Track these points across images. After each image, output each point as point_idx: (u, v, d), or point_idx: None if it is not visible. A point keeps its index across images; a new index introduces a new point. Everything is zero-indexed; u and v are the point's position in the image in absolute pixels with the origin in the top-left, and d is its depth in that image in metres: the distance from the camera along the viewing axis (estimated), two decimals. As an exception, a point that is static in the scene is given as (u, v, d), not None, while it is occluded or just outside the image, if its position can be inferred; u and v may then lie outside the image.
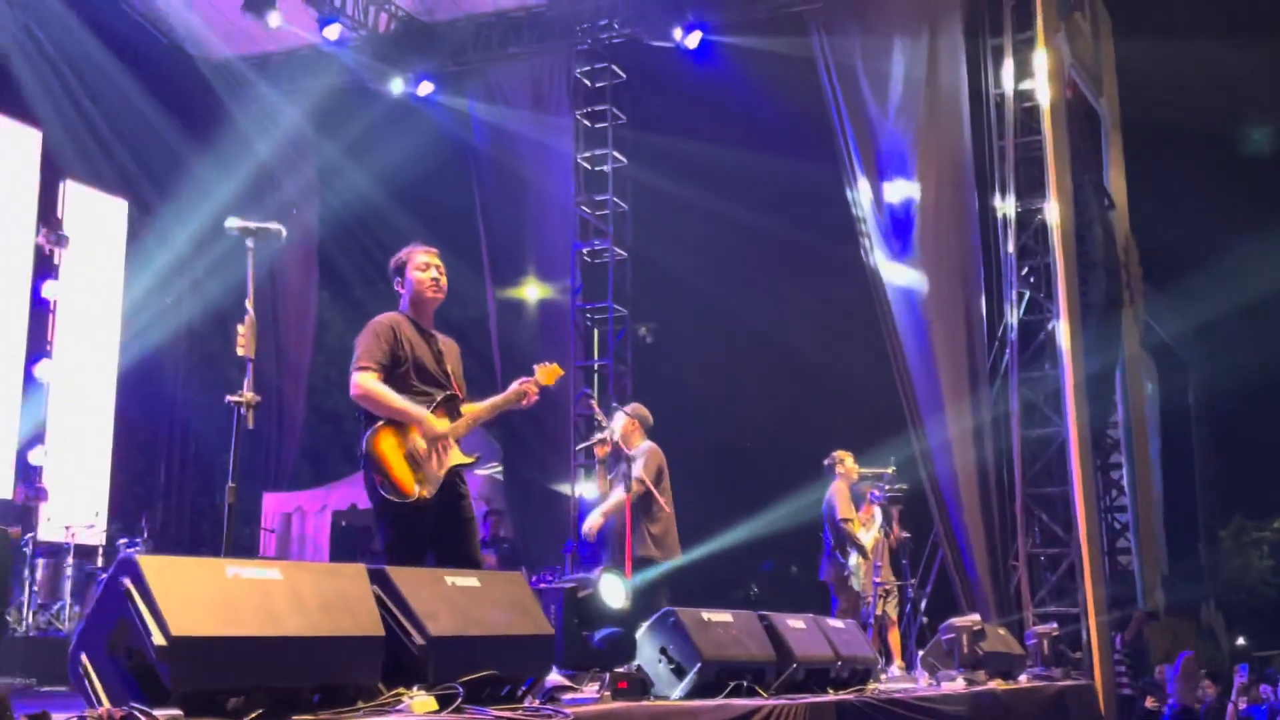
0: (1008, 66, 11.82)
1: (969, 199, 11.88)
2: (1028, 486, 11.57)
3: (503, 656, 4.11)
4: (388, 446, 5.11)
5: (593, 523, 7.41)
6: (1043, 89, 11.62)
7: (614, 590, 5.81)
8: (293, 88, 14.30)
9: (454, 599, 4.13)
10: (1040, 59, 11.60)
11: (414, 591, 3.96)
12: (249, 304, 4.99)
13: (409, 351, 5.28)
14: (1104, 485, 13.41)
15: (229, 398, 4.90)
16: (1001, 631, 9.57)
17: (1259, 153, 20.83)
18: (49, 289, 12.68)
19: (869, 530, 9.67)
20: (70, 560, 10.56)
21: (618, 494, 7.29)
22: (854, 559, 9.44)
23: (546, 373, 5.57)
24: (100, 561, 11.23)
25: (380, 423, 5.14)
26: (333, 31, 12.87)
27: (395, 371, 5.23)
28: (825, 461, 9.87)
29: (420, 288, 5.43)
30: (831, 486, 9.69)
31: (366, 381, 5.16)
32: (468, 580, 4.31)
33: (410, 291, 5.45)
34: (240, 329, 4.96)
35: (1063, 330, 11.37)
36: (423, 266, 5.45)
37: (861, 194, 12.17)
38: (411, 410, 5.17)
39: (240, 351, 4.95)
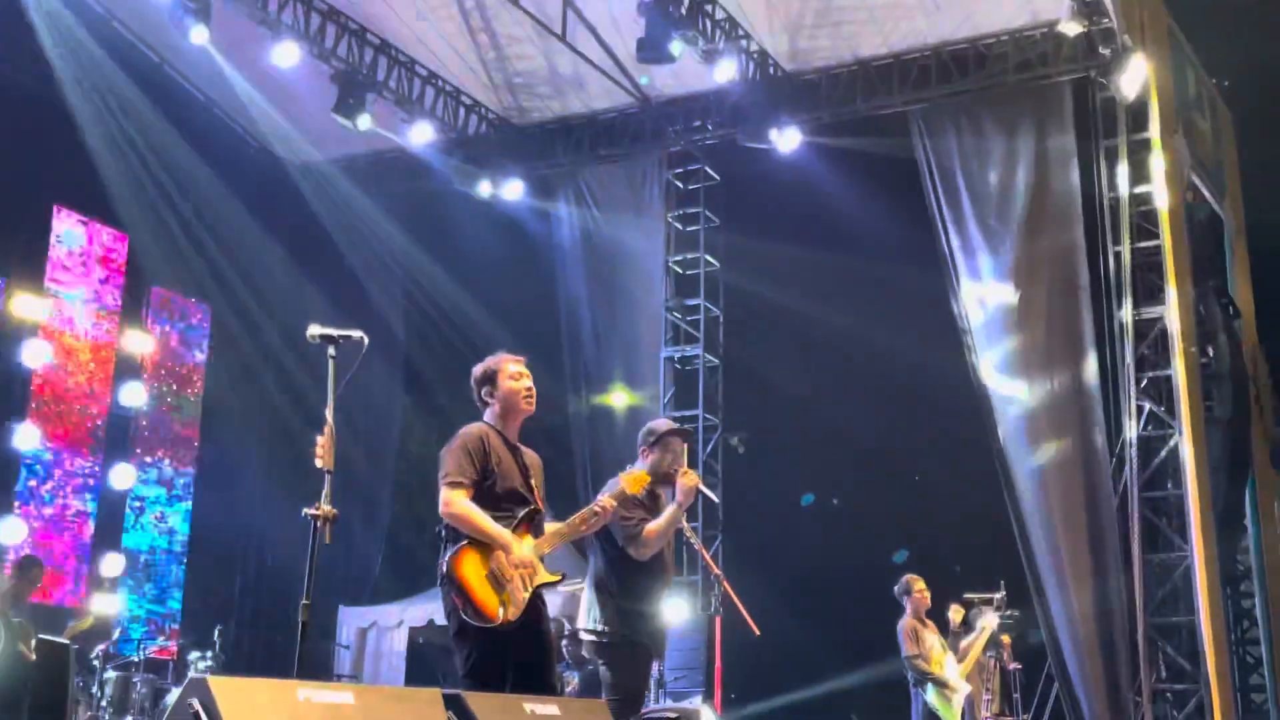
0: (1123, 169, 11.33)
1: (1083, 307, 11.31)
2: (1150, 616, 10.84)
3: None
4: (470, 568, 4.90)
5: None
6: (1160, 192, 11.11)
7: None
8: (379, 190, 14.17)
9: (534, 729, 3.86)
10: (1157, 161, 11.09)
11: (492, 720, 3.67)
12: (329, 414, 4.62)
13: (497, 466, 5.09)
14: (1234, 615, 12.56)
15: (306, 511, 4.53)
16: (1128, 776, 8.79)
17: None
18: (130, 393, 12.52)
19: (967, 653, 9.00)
20: (140, 674, 10.21)
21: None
22: (930, 694, 8.80)
23: (632, 480, 5.40)
24: (171, 676, 10.86)
25: (464, 543, 4.94)
26: (421, 133, 12.68)
27: (482, 485, 5.04)
28: (895, 589, 9.17)
29: (514, 399, 5.26)
30: (901, 619, 9.01)
31: (458, 500, 4.98)
32: (548, 708, 4.21)
33: (502, 403, 5.26)
34: (319, 439, 4.59)
35: (1186, 447, 10.72)
36: (515, 376, 5.28)
37: (966, 301, 11.69)
38: (499, 535, 4.98)
39: (319, 463, 4.58)
